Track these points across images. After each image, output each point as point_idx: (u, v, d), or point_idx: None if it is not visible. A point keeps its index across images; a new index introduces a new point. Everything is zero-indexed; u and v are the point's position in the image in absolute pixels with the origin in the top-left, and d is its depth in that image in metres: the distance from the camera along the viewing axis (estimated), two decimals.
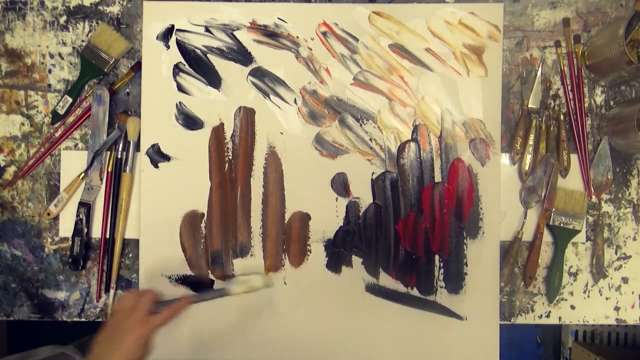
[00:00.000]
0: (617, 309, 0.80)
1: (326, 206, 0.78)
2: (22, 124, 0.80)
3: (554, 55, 0.80)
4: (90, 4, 0.80)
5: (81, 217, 0.77)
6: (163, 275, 0.78)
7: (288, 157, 0.78)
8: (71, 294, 0.79)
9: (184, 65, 0.78)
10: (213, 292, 0.75)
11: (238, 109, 0.78)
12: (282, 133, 0.78)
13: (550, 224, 0.79)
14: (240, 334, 0.78)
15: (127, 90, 0.80)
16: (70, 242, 0.78)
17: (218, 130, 0.78)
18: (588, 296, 0.80)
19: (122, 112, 0.79)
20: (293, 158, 0.78)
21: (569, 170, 0.79)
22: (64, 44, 0.80)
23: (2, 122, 0.80)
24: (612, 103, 0.81)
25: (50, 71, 0.80)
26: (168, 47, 0.78)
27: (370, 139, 0.78)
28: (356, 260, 0.78)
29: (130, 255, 0.79)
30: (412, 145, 0.78)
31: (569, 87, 0.80)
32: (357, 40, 0.78)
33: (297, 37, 0.78)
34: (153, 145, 0.78)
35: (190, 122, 0.78)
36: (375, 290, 0.78)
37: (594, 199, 0.80)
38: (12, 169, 0.80)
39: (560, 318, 0.80)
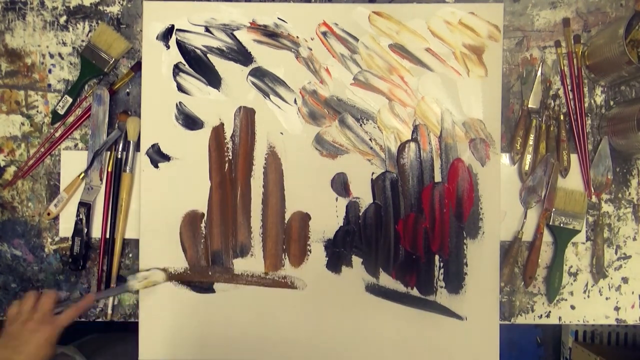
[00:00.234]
0: (617, 309, 0.80)
1: (326, 206, 0.78)
2: (22, 124, 0.80)
3: (554, 55, 0.80)
4: (90, 4, 0.80)
5: (81, 217, 0.77)
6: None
7: (288, 157, 0.78)
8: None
9: (184, 65, 0.78)
10: (114, 289, 0.76)
11: (238, 109, 0.78)
12: (282, 133, 0.78)
13: (550, 224, 0.79)
14: (240, 334, 0.78)
15: (127, 90, 0.80)
16: (70, 242, 0.78)
17: (218, 130, 0.78)
18: (588, 296, 0.80)
19: (122, 112, 0.79)
20: (293, 158, 0.78)
21: (569, 170, 0.79)
22: (64, 44, 0.80)
23: (2, 122, 0.80)
24: (612, 103, 0.81)
25: (50, 71, 0.80)
26: (168, 47, 0.78)
27: (370, 139, 0.78)
28: (356, 260, 0.78)
29: (130, 255, 0.79)
30: (412, 145, 0.78)
31: (569, 87, 0.80)
32: (357, 40, 0.78)
33: (297, 37, 0.78)
34: (153, 145, 0.78)
35: (190, 122, 0.78)
36: (375, 290, 0.78)
37: (594, 199, 0.80)
38: (12, 169, 0.80)
39: (560, 318, 0.80)
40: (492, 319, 0.78)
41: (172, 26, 0.78)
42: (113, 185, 0.78)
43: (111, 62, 0.78)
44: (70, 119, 0.80)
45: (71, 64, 0.80)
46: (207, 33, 0.78)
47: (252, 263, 0.78)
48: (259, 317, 0.78)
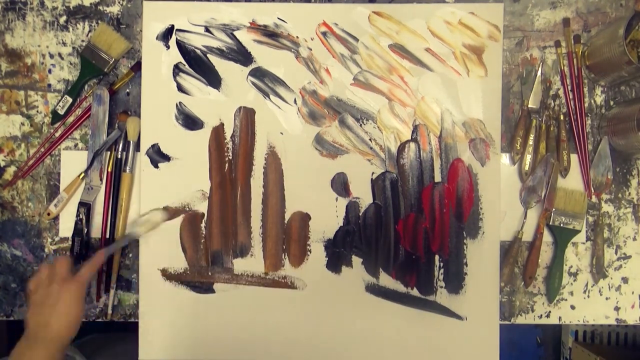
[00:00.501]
0: (617, 309, 0.80)
1: (326, 206, 0.78)
2: (22, 124, 0.80)
3: (554, 55, 0.80)
4: (90, 4, 0.80)
5: (81, 217, 0.77)
6: (163, 276, 0.78)
7: (288, 157, 0.78)
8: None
9: (184, 65, 0.78)
10: (121, 240, 0.75)
11: (238, 109, 0.78)
12: (282, 133, 0.78)
13: (550, 224, 0.79)
14: (240, 334, 0.78)
15: (127, 90, 0.80)
16: (70, 242, 0.78)
17: (218, 130, 0.78)
18: (588, 296, 0.80)
19: (122, 112, 0.79)
20: (293, 158, 0.78)
21: (569, 170, 0.79)
22: (64, 44, 0.80)
23: (2, 122, 0.80)
24: (612, 103, 0.81)
25: (50, 71, 0.80)
26: (168, 47, 0.78)
27: (370, 139, 0.78)
28: (356, 260, 0.78)
29: (130, 255, 0.79)
30: (412, 145, 0.78)
31: (569, 87, 0.80)
32: (357, 40, 0.78)
33: (297, 37, 0.78)
34: (153, 145, 0.78)
35: (190, 122, 0.78)
36: (375, 290, 0.78)
37: (594, 199, 0.80)
38: (12, 169, 0.80)
39: (560, 318, 0.80)
40: (492, 319, 0.78)
41: (172, 26, 0.78)
42: (113, 185, 0.78)
43: (111, 62, 0.78)
44: (70, 119, 0.80)
45: (71, 64, 0.80)
46: (207, 33, 0.78)
47: (252, 263, 0.78)
48: (259, 317, 0.78)
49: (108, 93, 0.78)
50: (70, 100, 0.79)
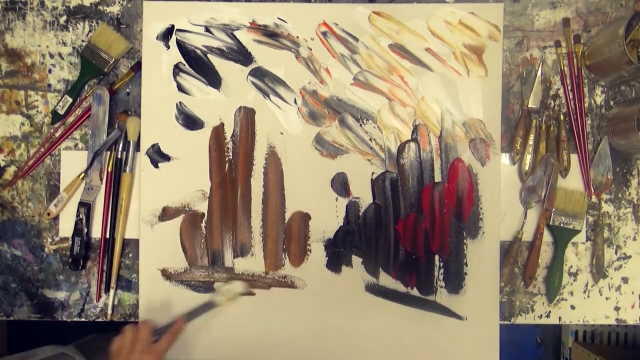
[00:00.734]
0: (617, 309, 0.80)
1: (326, 206, 0.78)
2: (22, 124, 0.80)
3: (554, 55, 0.80)
4: (90, 4, 0.80)
5: (81, 217, 0.77)
6: (163, 276, 0.78)
7: (288, 157, 0.78)
8: (71, 294, 0.79)
9: (184, 65, 0.78)
10: (202, 307, 0.75)
11: (238, 109, 0.78)
12: (282, 133, 0.78)
13: (550, 224, 0.79)
14: (239, 333, 0.78)
15: (127, 90, 0.80)
16: (70, 242, 0.78)
17: (218, 130, 0.78)
18: (588, 296, 0.80)
19: (122, 112, 0.79)
20: (293, 158, 0.78)
21: (569, 170, 0.79)
22: (64, 44, 0.80)
23: (2, 122, 0.80)
24: (612, 103, 0.81)
25: (50, 71, 0.80)
26: (168, 47, 0.78)
27: (370, 139, 0.78)
28: (356, 260, 0.78)
29: (130, 255, 0.79)
30: (412, 145, 0.78)
31: (569, 87, 0.80)
32: (357, 40, 0.78)
33: (297, 37, 0.78)
34: (153, 145, 0.78)
35: (190, 122, 0.78)
36: (375, 290, 0.78)
37: (594, 199, 0.80)
38: (12, 169, 0.80)
39: (560, 318, 0.80)
40: (492, 319, 0.78)
41: (172, 26, 0.78)
42: (113, 185, 0.78)
43: (111, 62, 0.78)
44: (70, 119, 0.80)
45: (71, 64, 0.80)
46: (207, 33, 0.78)
47: (252, 263, 0.78)
48: (259, 317, 0.78)
49: (108, 93, 0.78)
50: (70, 100, 0.79)
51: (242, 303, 0.77)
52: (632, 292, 0.80)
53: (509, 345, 1.55)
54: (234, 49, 0.78)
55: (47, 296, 0.79)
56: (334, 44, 0.78)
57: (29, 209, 0.80)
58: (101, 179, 0.79)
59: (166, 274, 0.78)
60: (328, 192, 0.78)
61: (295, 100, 0.78)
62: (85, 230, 0.78)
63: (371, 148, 0.78)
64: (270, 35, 0.78)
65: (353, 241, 0.78)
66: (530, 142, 0.79)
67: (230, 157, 0.78)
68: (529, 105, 0.79)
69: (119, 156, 0.78)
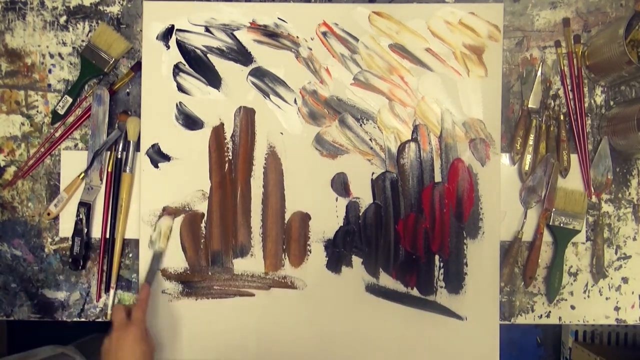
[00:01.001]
0: (617, 309, 0.80)
1: (326, 206, 0.78)
2: (22, 124, 0.80)
3: (554, 55, 0.80)
4: (90, 4, 0.80)
5: (81, 217, 0.77)
6: (163, 276, 0.78)
7: (288, 157, 0.78)
8: (71, 294, 0.79)
9: (184, 65, 0.78)
10: (153, 263, 0.77)
11: (238, 109, 0.78)
12: (282, 133, 0.78)
13: (550, 224, 0.79)
14: (239, 333, 0.78)
15: (127, 90, 0.80)
16: (70, 242, 0.78)
17: (218, 130, 0.78)
18: (588, 296, 0.80)
19: (122, 112, 0.79)
20: (293, 158, 0.78)
21: (569, 170, 0.79)
22: (64, 44, 0.80)
23: (2, 122, 0.80)
24: (612, 103, 0.81)
25: (50, 71, 0.80)
26: (168, 47, 0.78)
27: (370, 139, 0.78)
28: (356, 260, 0.78)
29: (130, 255, 0.79)
30: (412, 145, 0.78)
31: (569, 87, 0.80)
32: (357, 40, 0.78)
33: (297, 37, 0.78)
34: (153, 145, 0.78)
35: (190, 122, 0.78)
36: (375, 290, 0.78)
37: (594, 199, 0.80)
38: (12, 169, 0.80)
39: (560, 318, 0.80)
40: (492, 319, 0.78)
41: (172, 26, 0.78)
42: (113, 185, 0.78)
43: (111, 62, 0.78)
44: (70, 119, 0.80)
45: (71, 64, 0.80)
46: (207, 33, 0.78)
47: (252, 263, 0.78)
48: (259, 317, 0.78)
49: (108, 93, 0.78)
50: (70, 100, 0.79)
51: (242, 303, 0.77)
52: (632, 292, 0.80)
53: (509, 345, 1.55)
54: (234, 49, 0.78)
55: (47, 296, 0.79)
56: (334, 44, 0.78)
57: (29, 209, 0.80)
58: (101, 179, 0.79)
59: (166, 274, 0.78)
60: (328, 192, 0.78)
61: (295, 100, 0.78)
62: (85, 230, 0.78)
63: (371, 148, 0.78)
64: (270, 35, 0.78)
65: (353, 241, 0.78)
66: (530, 142, 0.79)
67: (230, 157, 0.78)
68: (529, 105, 0.79)
69: (119, 156, 0.78)
